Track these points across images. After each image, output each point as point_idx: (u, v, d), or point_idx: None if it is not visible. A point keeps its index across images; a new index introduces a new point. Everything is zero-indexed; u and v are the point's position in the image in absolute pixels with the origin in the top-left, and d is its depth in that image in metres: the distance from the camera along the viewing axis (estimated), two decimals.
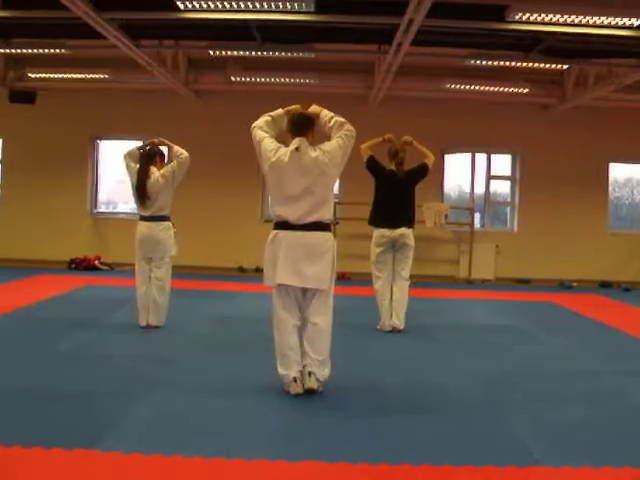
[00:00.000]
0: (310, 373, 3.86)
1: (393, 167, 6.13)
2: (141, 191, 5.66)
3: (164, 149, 6.08)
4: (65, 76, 9.88)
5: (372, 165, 6.14)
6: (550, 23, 6.62)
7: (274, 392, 4.05)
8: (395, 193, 6.09)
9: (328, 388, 4.09)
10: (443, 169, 11.09)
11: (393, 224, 5.97)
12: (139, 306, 5.84)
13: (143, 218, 5.80)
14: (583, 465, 3.00)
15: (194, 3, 6.41)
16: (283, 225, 3.84)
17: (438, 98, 10.33)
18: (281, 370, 3.90)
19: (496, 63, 8.88)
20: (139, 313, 5.85)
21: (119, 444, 3.05)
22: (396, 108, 10.38)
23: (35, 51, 9.10)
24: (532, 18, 6.46)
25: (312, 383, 3.85)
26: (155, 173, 5.72)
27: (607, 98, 9.67)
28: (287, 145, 3.89)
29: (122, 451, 2.97)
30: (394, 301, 6.01)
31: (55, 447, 2.97)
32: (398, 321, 5.99)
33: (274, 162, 3.83)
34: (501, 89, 9.76)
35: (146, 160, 5.77)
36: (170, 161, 5.92)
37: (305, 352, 3.89)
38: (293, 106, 4.05)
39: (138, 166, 5.73)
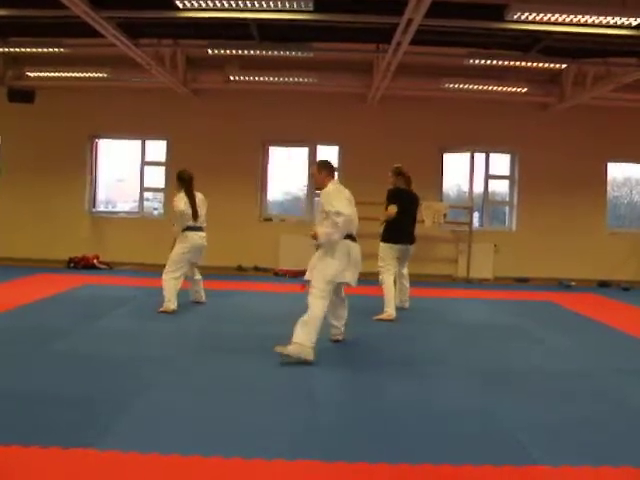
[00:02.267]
0: (343, 326, 5.53)
1: (404, 186, 7.02)
2: (195, 208, 6.70)
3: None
4: (64, 75, 9.87)
5: (396, 194, 6.98)
6: (549, 22, 6.63)
7: (273, 391, 4.07)
8: (410, 210, 7.06)
9: (327, 390, 4.18)
10: (442, 168, 11.10)
11: (409, 241, 7.08)
12: (175, 292, 6.61)
13: (194, 228, 6.71)
14: (582, 464, 3.01)
15: (193, 2, 6.40)
16: (350, 237, 5.13)
17: (437, 97, 10.33)
18: (312, 342, 4.73)
19: (495, 62, 8.89)
20: (176, 299, 6.60)
21: (117, 443, 3.05)
22: (395, 107, 10.41)
23: (33, 50, 9.09)
24: (531, 17, 6.47)
25: (342, 335, 5.52)
26: (198, 194, 6.84)
27: (605, 97, 9.68)
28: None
29: (120, 450, 2.97)
30: (403, 288, 7.29)
31: (53, 446, 2.98)
32: (407, 303, 7.35)
33: (348, 197, 5.17)
34: (500, 88, 9.76)
35: (190, 183, 6.78)
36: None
37: (338, 317, 5.45)
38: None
39: (184, 189, 6.74)
